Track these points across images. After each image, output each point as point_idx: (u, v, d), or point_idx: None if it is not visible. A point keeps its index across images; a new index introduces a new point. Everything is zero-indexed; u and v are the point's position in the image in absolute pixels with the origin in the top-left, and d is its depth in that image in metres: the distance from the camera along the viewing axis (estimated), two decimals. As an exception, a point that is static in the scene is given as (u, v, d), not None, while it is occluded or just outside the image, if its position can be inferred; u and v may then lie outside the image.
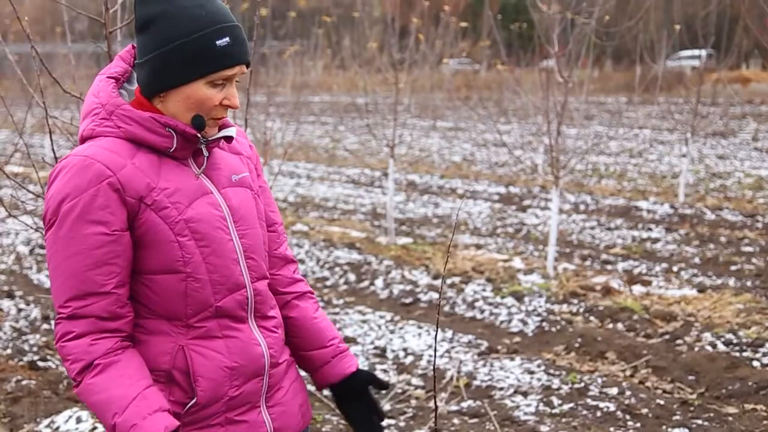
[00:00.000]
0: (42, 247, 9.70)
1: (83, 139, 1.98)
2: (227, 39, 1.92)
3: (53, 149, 3.17)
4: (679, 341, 5.95)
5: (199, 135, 1.98)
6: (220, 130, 2.04)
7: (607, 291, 7.19)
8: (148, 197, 1.91)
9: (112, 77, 2.00)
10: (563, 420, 4.72)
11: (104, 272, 1.89)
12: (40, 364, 5.81)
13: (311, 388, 5.23)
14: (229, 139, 2.07)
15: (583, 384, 5.18)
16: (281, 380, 2.14)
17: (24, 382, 5.29)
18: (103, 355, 1.88)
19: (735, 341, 5.82)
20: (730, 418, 4.69)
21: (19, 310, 7.17)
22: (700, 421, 4.65)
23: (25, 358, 5.89)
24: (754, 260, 8.44)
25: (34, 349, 6.17)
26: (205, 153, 2.02)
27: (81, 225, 1.87)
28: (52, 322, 6.78)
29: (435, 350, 2.18)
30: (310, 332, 2.23)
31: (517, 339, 6.28)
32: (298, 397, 2.19)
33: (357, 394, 2.24)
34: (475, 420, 4.78)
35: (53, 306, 1.92)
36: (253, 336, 2.05)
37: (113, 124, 1.93)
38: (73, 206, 1.86)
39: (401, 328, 6.44)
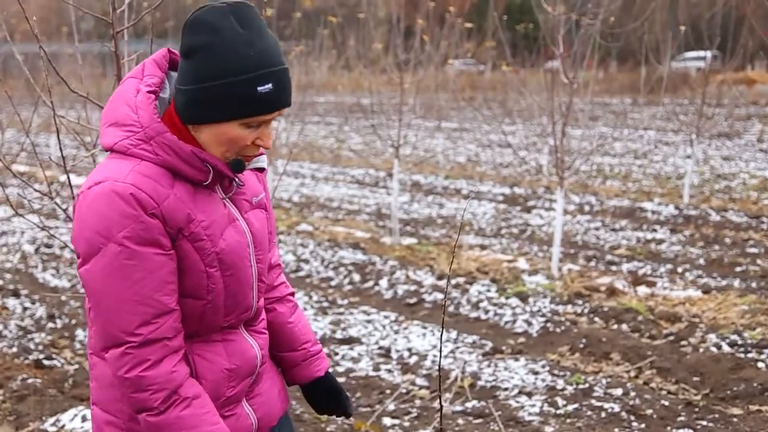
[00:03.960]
0: (48, 246, 9.73)
1: (110, 149, 1.93)
2: (270, 86, 1.87)
3: (60, 148, 3.18)
4: (683, 342, 5.95)
5: (234, 176, 2.00)
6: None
7: (612, 292, 7.19)
8: (186, 228, 1.92)
9: (151, 91, 1.94)
10: (568, 421, 4.72)
11: (168, 291, 1.90)
12: (46, 362, 5.82)
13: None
14: (260, 169, 2.10)
15: (587, 385, 5.18)
16: (262, 373, 2.23)
17: (29, 381, 5.30)
18: (183, 381, 1.91)
19: (740, 342, 5.81)
20: (735, 420, 4.68)
21: (25, 309, 7.18)
22: (704, 422, 4.65)
23: (31, 357, 5.91)
24: (759, 261, 8.43)
25: (40, 347, 6.19)
26: (237, 184, 2.04)
27: (138, 250, 1.85)
28: (58, 321, 6.83)
29: (440, 350, 2.19)
30: (282, 335, 2.31)
31: (521, 339, 6.28)
32: (275, 386, 2.27)
33: (325, 394, 2.38)
34: (480, 420, 4.78)
35: (110, 335, 1.87)
36: (246, 339, 2.13)
37: (152, 150, 1.89)
38: (126, 235, 1.84)
39: (406, 329, 6.44)
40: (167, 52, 2.01)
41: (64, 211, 3.30)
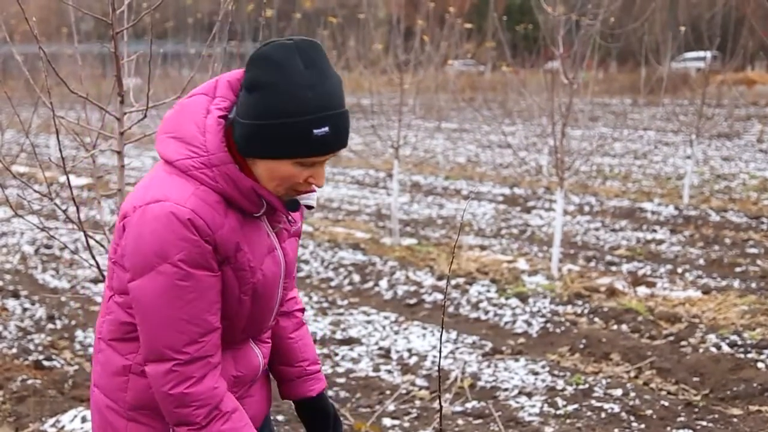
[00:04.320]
0: (48, 247, 9.73)
1: (170, 163, 1.96)
2: (327, 129, 1.89)
3: (60, 149, 3.17)
4: (683, 342, 5.95)
5: (288, 214, 2.07)
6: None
7: (612, 292, 7.19)
8: (234, 257, 1.97)
9: (221, 116, 1.96)
10: (567, 421, 4.72)
11: (214, 311, 1.96)
12: (46, 363, 5.82)
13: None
14: (309, 206, 2.13)
15: (587, 385, 5.18)
16: (259, 377, 2.30)
17: (29, 382, 5.30)
18: (223, 396, 1.99)
19: (740, 343, 5.81)
20: (735, 420, 4.68)
21: (24, 310, 7.18)
22: (704, 423, 4.65)
23: (31, 358, 5.91)
24: (758, 262, 8.43)
25: (40, 348, 6.19)
26: (289, 221, 2.13)
27: (192, 272, 1.90)
28: (57, 322, 6.83)
29: (440, 351, 2.19)
30: (281, 349, 2.35)
31: (521, 340, 6.28)
32: (264, 388, 2.33)
33: (315, 416, 2.39)
34: (480, 421, 4.78)
35: (156, 350, 1.93)
36: (253, 349, 2.21)
37: (213, 177, 1.93)
38: (182, 258, 1.88)
39: (405, 329, 6.44)
40: (243, 74, 2.00)
41: (64, 212, 3.30)
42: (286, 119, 1.87)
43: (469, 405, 4.99)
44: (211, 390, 1.96)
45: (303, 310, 2.42)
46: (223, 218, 1.93)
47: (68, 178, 3.12)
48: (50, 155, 16.20)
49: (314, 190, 2.08)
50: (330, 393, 5.10)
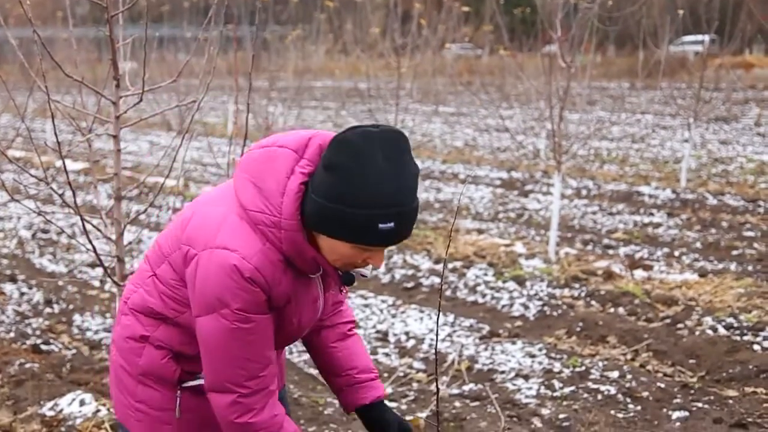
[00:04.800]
0: (44, 231, 9.73)
1: (243, 208, 2.02)
2: (392, 224, 1.93)
3: (55, 133, 3.17)
4: (680, 325, 5.96)
5: (342, 287, 2.24)
6: None
7: (609, 275, 7.20)
8: (283, 308, 2.12)
9: (303, 182, 1.99)
10: (564, 403, 4.74)
11: (270, 345, 2.11)
12: (43, 347, 5.83)
13: (312, 371, 5.26)
14: (363, 275, 2.21)
15: (584, 367, 5.20)
16: None
17: (27, 365, 5.31)
18: (283, 421, 2.15)
19: (736, 325, 5.83)
20: (731, 401, 4.71)
21: (22, 294, 7.19)
22: (700, 404, 4.67)
23: (28, 342, 5.92)
24: (755, 245, 8.44)
25: (37, 332, 6.20)
26: (340, 290, 2.32)
27: (250, 317, 2.02)
28: (55, 306, 6.83)
29: (437, 334, 2.20)
30: (324, 358, 2.44)
31: (518, 323, 6.30)
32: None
33: (372, 424, 2.44)
34: (477, 403, 4.80)
35: (219, 383, 2.09)
36: None
37: (279, 239, 2.00)
38: (241, 306, 2.00)
39: (403, 312, 6.46)
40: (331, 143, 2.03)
41: (61, 196, 3.30)
42: (354, 209, 1.91)
43: (466, 387, 5.01)
44: (273, 417, 2.12)
45: (353, 322, 2.46)
46: (281, 275, 2.04)
47: (64, 163, 3.11)
48: (46, 140, 16.16)
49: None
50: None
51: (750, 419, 4.44)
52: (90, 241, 3.19)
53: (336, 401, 4.81)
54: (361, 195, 1.89)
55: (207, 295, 2.01)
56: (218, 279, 1.99)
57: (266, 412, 2.11)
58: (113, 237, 3.48)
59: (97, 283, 7.59)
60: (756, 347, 5.44)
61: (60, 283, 7.49)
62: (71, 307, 6.86)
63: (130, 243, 3.69)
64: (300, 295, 2.13)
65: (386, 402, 2.47)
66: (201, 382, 2.27)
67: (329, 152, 1.94)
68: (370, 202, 1.89)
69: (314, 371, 5.18)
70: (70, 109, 3.53)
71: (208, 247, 2.02)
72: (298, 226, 1.99)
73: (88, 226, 3.32)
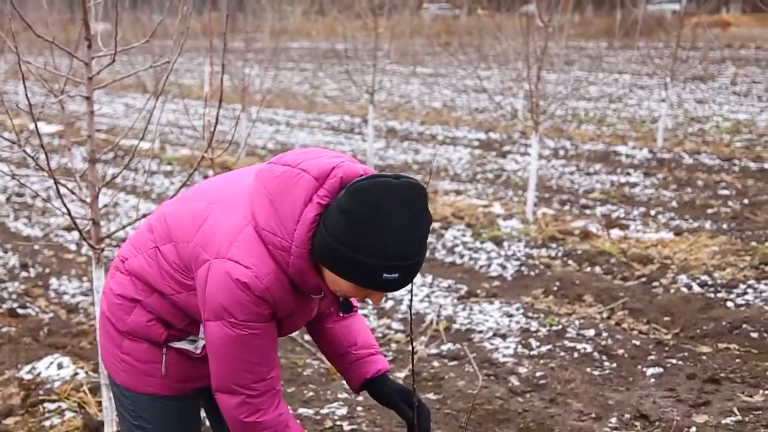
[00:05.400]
0: (19, 195, 9.64)
1: (258, 226, 2.04)
2: (396, 275, 1.96)
3: (26, 95, 3.12)
4: (655, 283, 6.03)
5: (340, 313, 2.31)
6: None
7: (586, 235, 7.25)
8: (282, 319, 2.17)
9: (319, 213, 2.00)
10: (541, 361, 4.79)
11: (275, 349, 2.18)
12: (20, 311, 5.81)
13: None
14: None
15: (560, 326, 5.26)
16: None
17: (4, 330, 5.30)
18: (288, 419, 2.21)
19: (710, 283, 5.90)
20: (704, 357, 4.78)
21: (-2, 259, 7.14)
22: (674, 361, 4.74)
23: (5, 306, 5.89)
24: (730, 203, 8.53)
25: (14, 296, 6.17)
26: (339, 316, 2.38)
27: (257, 325, 2.07)
28: (31, 270, 6.79)
29: (411, 294, 2.21)
30: (325, 339, 2.48)
31: (496, 283, 6.34)
32: None
33: (381, 397, 2.45)
34: (455, 362, 4.85)
35: (227, 385, 2.15)
36: None
37: (287, 263, 2.04)
38: (248, 318, 2.06)
39: (381, 274, 6.47)
40: (358, 176, 2.02)
41: (34, 159, 3.26)
42: (363, 256, 1.93)
43: (444, 347, 5.06)
44: (279, 416, 2.18)
45: (353, 307, 2.46)
46: (287, 294, 2.09)
47: (36, 125, 3.07)
48: (18, 102, 15.94)
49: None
50: (307, 337, 5.14)
51: (723, 374, 4.51)
52: (65, 205, 3.16)
53: (316, 362, 4.85)
54: (371, 245, 1.92)
55: (215, 303, 2.06)
56: (228, 291, 2.03)
57: (273, 412, 2.17)
58: (88, 200, 3.45)
59: (73, 247, 7.54)
60: (729, 304, 5.52)
61: (36, 246, 7.44)
62: (47, 270, 6.83)
63: (105, 206, 3.66)
64: (301, 309, 2.20)
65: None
66: (188, 346, 2.31)
67: (347, 199, 1.94)
68: (379, 253, 1.93)
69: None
70: (42, 70, 3.47)
71: (220, 257, 2.05)
72: (307, 255, 2.02)
73: (63, 190, 3.29)
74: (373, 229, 1.91)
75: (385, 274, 1.95)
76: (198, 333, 2.30)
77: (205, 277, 2.07)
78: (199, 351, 2.31)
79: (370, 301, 2.24)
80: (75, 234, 7.72)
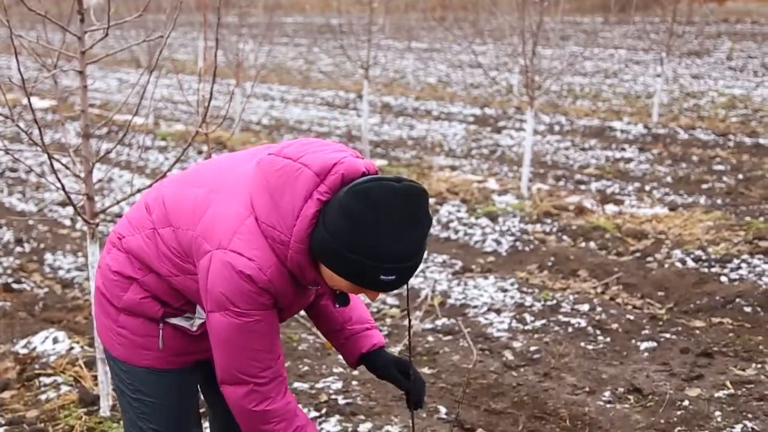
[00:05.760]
0: (13, 170, 9.61)
1: (258, 220, 2.05)
2: (393, 277, 1.98)
3: (19, 70, 3.10)
4: (649, 258, 6.05)
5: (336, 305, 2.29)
6: None
7: (580, 210, 7.26)
8: (281, 308, 2.17)
9: (319, 209, 2.00)
10: (535, 336, 4.81)
11: (278, 336, 2.18)
12: (15, 286, 5.81)
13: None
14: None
15: (555, 301, 5.28)
16: None
17: None
18: (296, 408, 2.22)
19: (704, 257, 5.93)
20: (698, 332, 4.81)
21: (-8, 235, 7.13)
22: (668, 335, 4.77)
23: (0, 281, 5.89)
24: (724, 178, 8.54)
25: (8, 271, 6.17)
26: (336, 307, 2.33)
27: (259, 312, 2.07)
28: (26, 245, 6.79)
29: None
30: (320, 317, 2.49)
31: (491, 258, 6.36)
32: None
33: (377, 370, 2.48)
34: (450, 337, 4.87)
35: (233, 375, 2.14)
36: None
37: (285, 256, 2.05)
38: (250, 307, 2.06)
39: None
40: (360, 175, 2.02)
41: (28, 134, 3.25)
42: (361, 258, 1.94)
43: (439, 322, 5.08)
44: (287, 404, 2.18)
45: (349, 302, 2.47)
46: (287, 285, 2.10)
47: (29, 100, 3.06)
48: (11, 77, 15.86)
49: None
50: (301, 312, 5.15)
51: (716, 348, 4.54)
52: (59, 180, 3.16)
53: (311, 337, 4.86)
54: (370, 247, 1.93)
55: (218, 293, 2.06)
56: (231, 281, 2.03)
57: (281, 400, 2.17)
58: (82, 175, 3.44)
59: (68, 222, 7.53)
60: (723, 279, 5.54)
61: (30, 221, 7.43)
62: (42, 246, 6.82)
63: (100, 181, 3.65)
64: (299, 299, 2.22)
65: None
66: (185, 323, 2.32)
67: (348, 199, 1.93)
68: (378, 256, 1.94)
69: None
70: (35, 44, 3.45)
71: (222, 248, 2.05)
72: (306, 250, 2.03)
73: (57, 165, 3.29)
74: (372, 233, 1.92)
75: (382, 276, 1.97)
76: (194, 312, 2.30)
77: (207, 268, 2.08)
78: (195, 329, 2.32)
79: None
80: (69, 209, 7.71)
